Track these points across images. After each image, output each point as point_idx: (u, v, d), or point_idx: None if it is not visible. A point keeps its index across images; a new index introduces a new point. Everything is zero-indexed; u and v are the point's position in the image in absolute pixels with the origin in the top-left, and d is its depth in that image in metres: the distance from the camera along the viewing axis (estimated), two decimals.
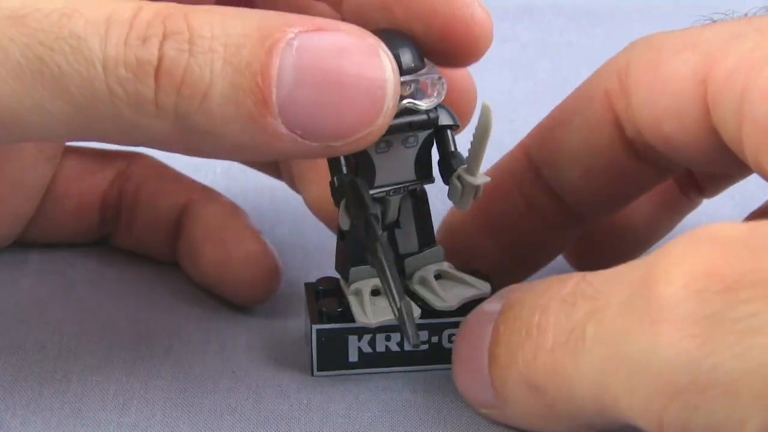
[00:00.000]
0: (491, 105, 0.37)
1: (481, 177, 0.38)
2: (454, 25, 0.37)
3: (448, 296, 0.40)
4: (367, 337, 0.40)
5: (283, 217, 0.50)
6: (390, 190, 0.39)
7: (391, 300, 0.36)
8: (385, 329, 0.40)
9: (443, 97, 0.37)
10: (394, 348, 0.40)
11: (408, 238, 0.40)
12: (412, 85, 0.37)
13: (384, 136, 0.35)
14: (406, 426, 0.38)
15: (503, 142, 0.56)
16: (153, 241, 0.46)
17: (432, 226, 0.41)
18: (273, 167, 0.46)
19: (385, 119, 0.34)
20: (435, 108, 0.37)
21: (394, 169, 0.39)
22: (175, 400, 0.39)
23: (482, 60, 0.63)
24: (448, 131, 0.38)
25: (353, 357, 0.40)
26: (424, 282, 0.40)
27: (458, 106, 0.39)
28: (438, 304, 0.40)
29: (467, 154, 0.38)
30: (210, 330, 0.43)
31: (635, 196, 0.42)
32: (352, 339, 0.40)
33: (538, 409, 0.35)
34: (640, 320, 0.30)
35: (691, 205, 0.46)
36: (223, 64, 0.32)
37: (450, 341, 0.40)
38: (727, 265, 0.29)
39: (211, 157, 0.41)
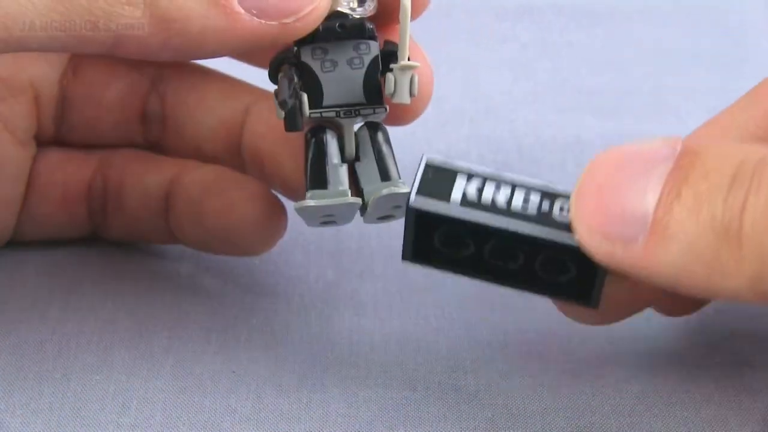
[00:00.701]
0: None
1: (411, 61, 0.39)
2: None
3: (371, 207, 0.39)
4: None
5: None
6: (340, 111, 0.40)
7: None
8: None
9: (374, 10, 0.40)
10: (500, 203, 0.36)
11: (369, 171, 0.40)
12: None
13: (325, 47, 0.39)
14: (406, 425, 0.38)
15: (503, 141, 0.56)
16: (145, 221, 0.46)
17: (395, 164, 0.40)
18: (237, 162, 0.46)
19: None
20: (369, 23, 0.39)
21: (342, 89, 0.40)
22: (175, 400, 0.39)
23: (482, 60, 0.63)
24: (409, 15, 0.39)
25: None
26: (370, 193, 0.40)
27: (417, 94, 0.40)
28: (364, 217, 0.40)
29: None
30: (210, 330, 0.43)
31: None
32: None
33: (714, 254, 0.32)
34: None
35: None
36: None
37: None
38: None
39: (182, 54, 0.42)
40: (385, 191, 0.39)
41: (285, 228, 0.44)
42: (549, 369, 0.41)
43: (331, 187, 0.39)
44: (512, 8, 0.66)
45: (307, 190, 0.40)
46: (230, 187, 0.44)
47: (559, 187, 0.35)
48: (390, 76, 0.39)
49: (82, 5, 0.36)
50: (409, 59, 0.39)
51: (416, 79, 0.39)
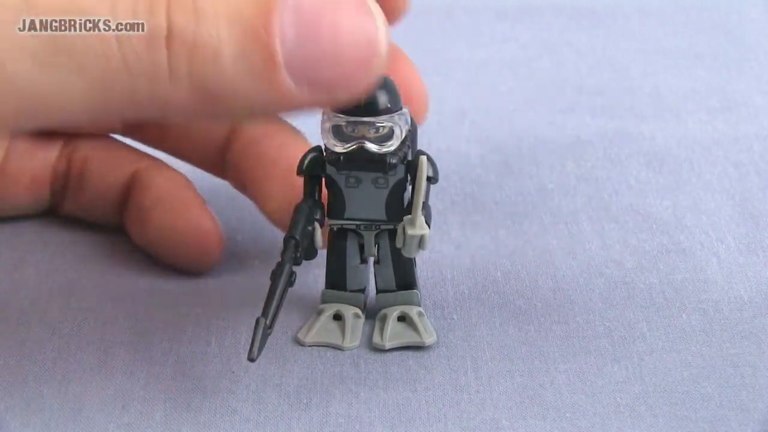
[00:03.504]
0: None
1: (421, 227, 0.39)
2: None
3: (387, 337, 0.41)
4: None
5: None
6: (360, 225, 0.41)
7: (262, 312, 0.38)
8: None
9: (399, 144, 0.39)
10: None
11: (386, 275, 0.42)
12: (387, 127, 0.39)
13: (349, 170, 0.40)
14: (406, 426, 0.38)
15: (503, 141, 0.56)
16: (101, 208, 0.48)
17: (413, 270, 0.42)
18: (218, 166, 0.47)
19: (379, 65, 0.36)
20: (401, 153, 0.40)
21: (364, 205, 0.41)
22: (175, 401, 0.39)
23: (482, 60, 0.63)
24: (426, 183, 0.40)
25: None
26: (383, 319, 0.42)
27: (412, 110, 0.41)
28: (374, 340, 0.41)
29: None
30: (210, 330, 0.43)
31: None
32: None
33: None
34: None
35: None
36: (229, 27, 0.34)
37: None
38: None
39: (224, 121, 0.42)
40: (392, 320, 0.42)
41: (219, 257, 0.46)
42: (549, 369, 0.41)
43: (348, 287, 0.42)
44: (512, 8, 0.66)
45: (326, 287, 0.43)
46: (176, 208, 0.46)
47: None
48: (399, 232, 0.40)
49: (124, 91, 0.34)
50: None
51: (426, 237, 0.39)
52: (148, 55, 0.33)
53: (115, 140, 0.48)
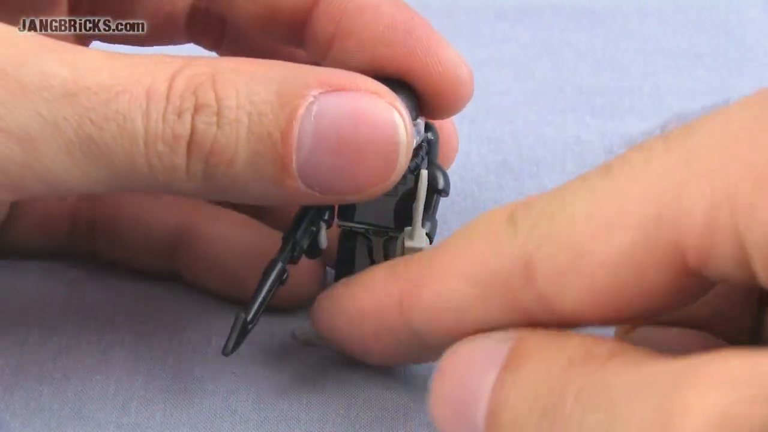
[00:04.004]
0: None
1: (419, 240, 0.39)
2: (441, 84, 0.39)
3: None
4: None
5: None
6: (369, 230, 0.41)
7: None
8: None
9: (419, 140, 0.39)
10: None
11: None
12: None
13: None
14: (406, 426, 0.38)
15: (504, 142, 0.56)
16: (141, 256, 0.45)
17: None
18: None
19: (397, 176, 0.36)
20: (412, 163, 0.40)
21: (373, 211, 0.41)
22: (175, 401, 0.39)
23: (482, 60, 0.63)
24: (435, 195, 0.40)
25: None
26: None
27: (442, 153, 0.42)
28: None
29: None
30: (210, 330, 0.43)
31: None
32: None
33: None
34: None
35: None
36: (247, 133, 0.35)
37: None
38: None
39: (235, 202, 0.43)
40: None
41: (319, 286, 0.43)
42: None
43: None
44: (512, 8, 0.66)
45: None
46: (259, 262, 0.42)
47: None
48: (399, 243, 0.40)
49: (143, 180, 0.35)
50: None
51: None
52: (170, 158, 0.35)
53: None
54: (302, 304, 0.42)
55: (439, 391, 0.34)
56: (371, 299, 0.37)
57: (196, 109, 0.35)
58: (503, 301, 0.33)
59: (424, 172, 0.39)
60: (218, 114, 0.35)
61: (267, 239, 0.43)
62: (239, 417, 0.39)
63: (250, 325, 0.38)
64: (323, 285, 0.43)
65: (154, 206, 0.44)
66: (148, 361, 0.41)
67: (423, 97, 0.39)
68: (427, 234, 0.39)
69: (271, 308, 0.40)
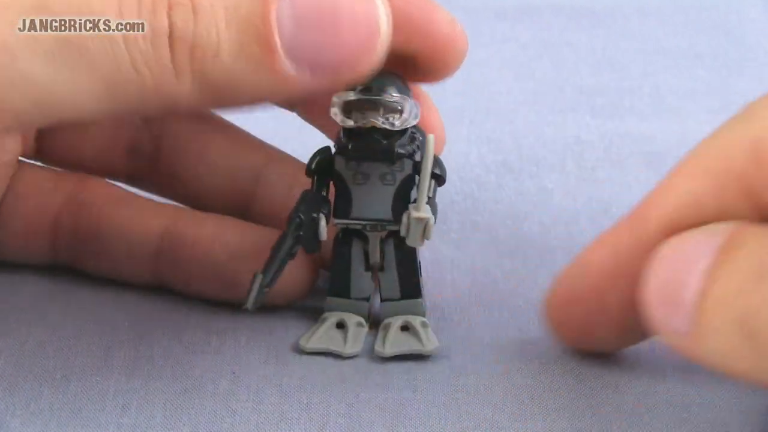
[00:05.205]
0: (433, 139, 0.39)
1: (426, 211, 0.39)
2: (438, 41, 0.40)
3: (388, 344, 0.41)
4: None
5: None
6: (366, 225, 0.41)
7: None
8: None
9: (416, 118, 0.39)
10: None
11: (390, 283, 0.42)
12: (395, 102, 0.39)
13: (357, 159, 0.40)
14: (407, 426, 0.38)
15: (503, 141, 0.56)
16: (125, 264, 0.44)
17: (418, 278, 0.42)
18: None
19: (382, 44, 0.36)
20: (409, 148, 0.40)
21: (371, 203, 0.40)
22: (175, 401, 0.39)
23: (482, 60, 0.63)
24: (433, 181, 0.40)
25: None
26: (386, 328, 0.42)
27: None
28: (375, 347, 0.41)
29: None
30: (210, 330, 0.43)
31: None
32: None
33: (744, 353, 0.34)
34: None
35: None
36: (226, 24, 0.35)
37: None
38: None
39: (233, 109, 0.42)
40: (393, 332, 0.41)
41: (314, 282, 0.44)
42: (549, 369, 0.41)
43: (353, 295, 0.42)
44: (512, 8, 0.66)
45: (328, 295, 0.42)
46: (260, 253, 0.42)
47: None
48: (404, 220, 0.40)
49: (132, 88, 0.35)
50: (431, 182, 0.40)
51: (431, 223, 0.39)
52: (154, 54, 0.35)
53: (127, 192, 0.45)
54: (294, 303, 0.43)
55: (652, 278, 0.36)
56: (608, 236, 0.40)
57: (171, 6, 0.35)
58: (736, 194, 0.35)
59: (431, 136, 0.38)
60: (194, 10, 0.35)
61: (257, 237, 0.43)
62: (239, 417, 0.39)
63: (268, 287, 0.39)
64: (316, 285, 0.43)
65: (137, 213, 0.44)
66: (148, 361, 0.41)
67: (419, 58, 0.40)
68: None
69: (264, 306, 0.40)
